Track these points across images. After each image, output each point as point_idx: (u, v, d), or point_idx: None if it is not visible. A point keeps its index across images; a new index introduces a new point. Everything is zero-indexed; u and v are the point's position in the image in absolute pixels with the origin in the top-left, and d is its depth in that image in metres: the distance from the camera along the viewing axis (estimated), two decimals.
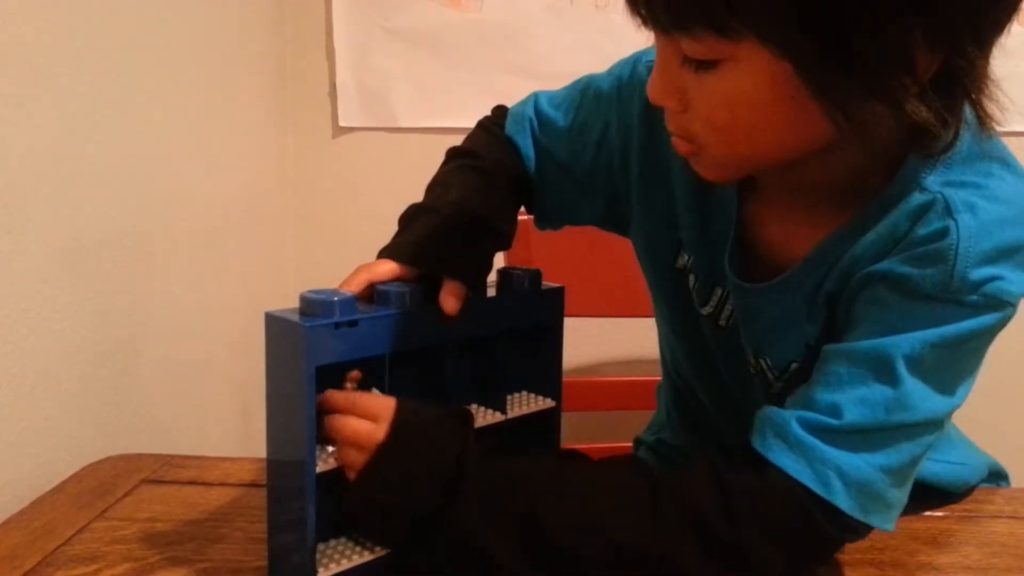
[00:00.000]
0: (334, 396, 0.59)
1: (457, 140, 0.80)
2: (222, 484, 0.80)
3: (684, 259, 0.74)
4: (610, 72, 0.77)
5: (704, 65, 0.55)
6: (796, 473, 0.56)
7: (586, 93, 0.77)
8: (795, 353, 0.67)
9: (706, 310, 0.73)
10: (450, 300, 0.62)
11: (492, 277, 0.69)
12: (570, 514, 0.57)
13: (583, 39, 1.46)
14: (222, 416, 1.27)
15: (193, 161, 1.16)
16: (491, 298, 0.67)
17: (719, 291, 0.72)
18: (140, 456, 0.87)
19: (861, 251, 0.61)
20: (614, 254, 1.20)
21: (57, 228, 0.86)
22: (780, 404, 0.61)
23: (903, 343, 0.56)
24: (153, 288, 1.05)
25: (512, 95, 0.84)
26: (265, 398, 0.59)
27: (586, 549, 0.56)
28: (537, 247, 1.18)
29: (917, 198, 0.59)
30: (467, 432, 0.60)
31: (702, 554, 0.55)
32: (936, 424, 0.58)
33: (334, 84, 1.51)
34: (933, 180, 0.59)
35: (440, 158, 0.78)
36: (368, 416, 0.59)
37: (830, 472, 0.56)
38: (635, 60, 0.75)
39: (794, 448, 0.56)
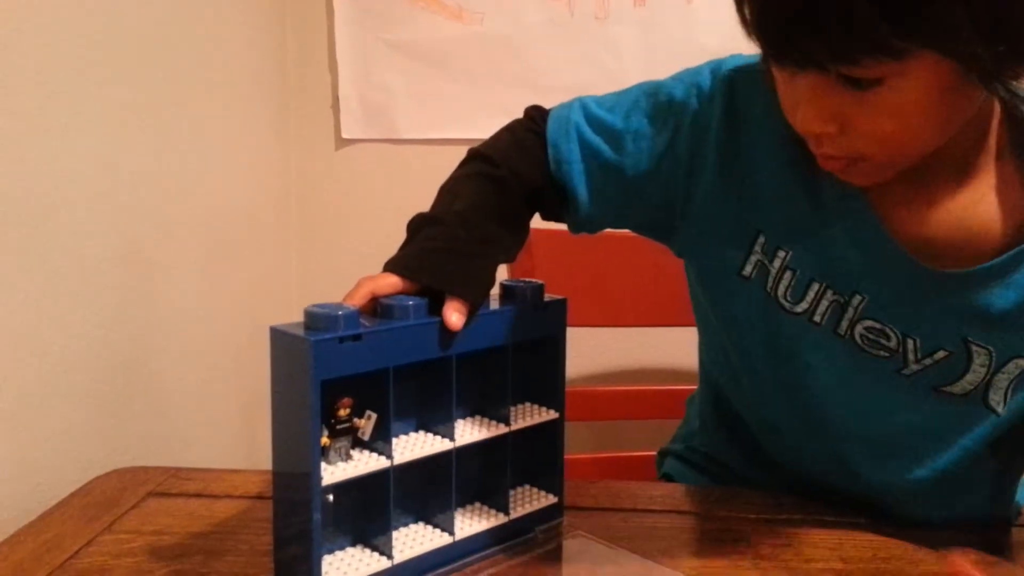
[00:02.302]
0: None
1: (459, 151, 0.80)
2: (228, 496, 0.80)
3: (776, 259, 0.73)
4: (681, 80, 0.76)
5: (864, 83, 0.57)
6: None
7: (655, 97, 0.76)
8: (949, 343, 0.68)
9: (800, 307, 0.72)
10: (453, 315, 0.62)
11: (495, 290, 0.69)
12: None
13: (584, 51, 1.47)
14: (228, 428, 1.28)
15: (196, 174, 1.17)
16: (494, 312, 0.68)
17: (816, 287, 0.71)
18: (146, 469, 0.87)
19: None
20: (618, 264, 1.21)
21: (61, 243, 0.87)
22: (904, 389, 0.69)
23: None
24: (157, 301, 1.06)
25: (513, 107, 0.84)
26: (271, 411, 0.60)
27: None
28: (540, 257, 1.18)
29: None
30: None
31: None
32: None
33: (336, 97, 1.52)
34: None
35: (442, 169, 0.78)
36: None
37: None
38: (713, 69, 0.74)
39: None
